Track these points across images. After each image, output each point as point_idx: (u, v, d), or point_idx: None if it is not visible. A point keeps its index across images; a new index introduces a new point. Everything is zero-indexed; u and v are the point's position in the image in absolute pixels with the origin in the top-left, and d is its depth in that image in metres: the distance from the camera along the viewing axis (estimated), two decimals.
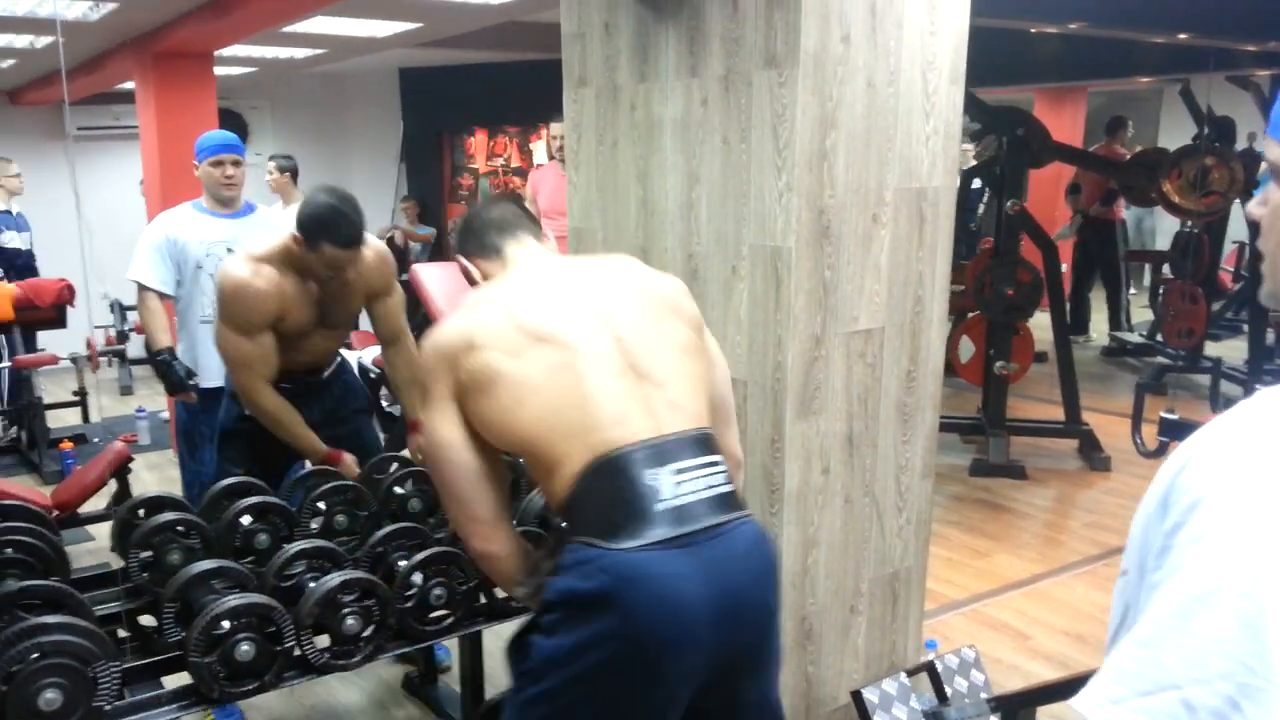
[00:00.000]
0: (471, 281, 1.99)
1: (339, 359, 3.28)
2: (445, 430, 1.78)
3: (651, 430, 1.68)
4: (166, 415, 6.26)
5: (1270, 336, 7.24)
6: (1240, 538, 0.71)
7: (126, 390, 7.61)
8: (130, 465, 4.33)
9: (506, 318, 1.77)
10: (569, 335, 1.75)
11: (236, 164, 3.76)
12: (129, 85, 6.37)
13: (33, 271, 6.61)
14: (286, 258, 2.80)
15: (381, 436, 3.84)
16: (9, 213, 6.65)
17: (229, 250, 3.74)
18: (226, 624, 1.93)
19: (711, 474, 1.70)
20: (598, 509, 1.64)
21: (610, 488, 1.64)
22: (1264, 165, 0.90)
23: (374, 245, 2.96)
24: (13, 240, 6.61)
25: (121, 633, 2.32)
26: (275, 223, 3.98)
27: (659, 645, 1.57)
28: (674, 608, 1.58)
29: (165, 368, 3.70)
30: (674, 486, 1.64)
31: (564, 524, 1.72)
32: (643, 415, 1.69)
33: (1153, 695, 0.71)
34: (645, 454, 1.65)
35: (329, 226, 2.67)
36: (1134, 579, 0.83)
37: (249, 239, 3.75)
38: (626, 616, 1.56)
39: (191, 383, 3.71)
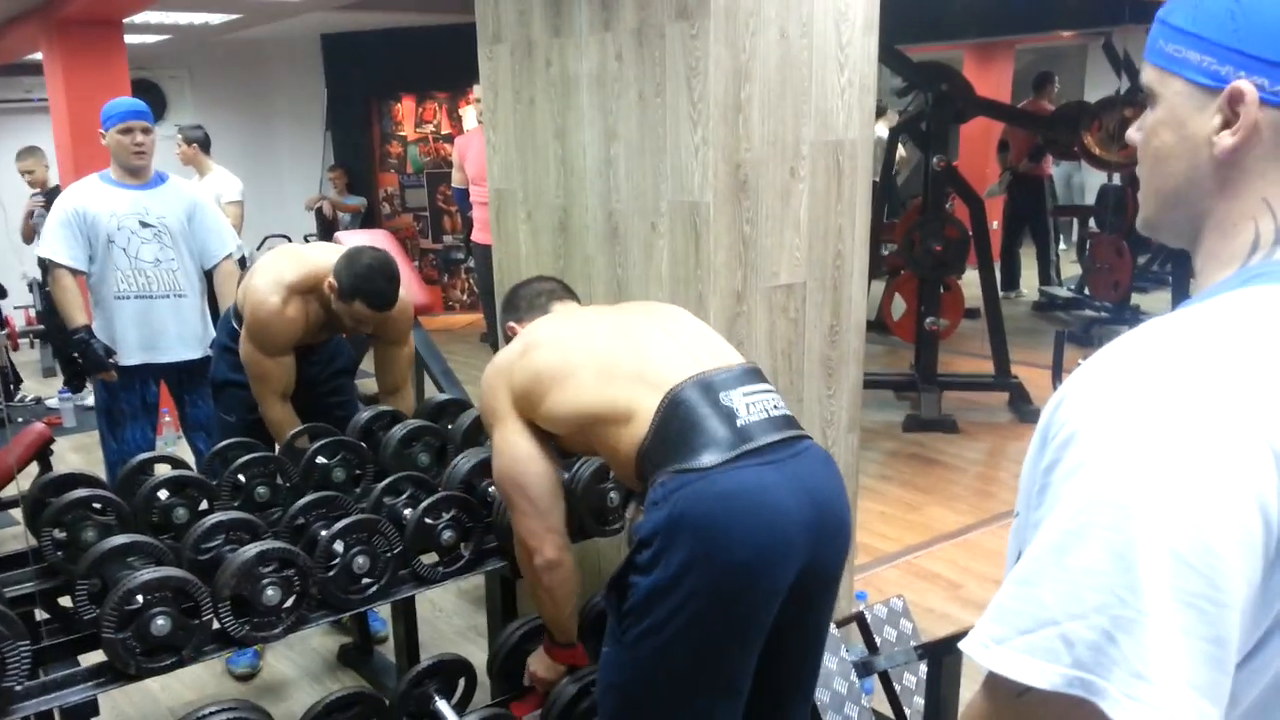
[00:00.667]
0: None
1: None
2: (520, 444, 1.91)
3: (708, 364, 1.81)
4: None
5: (1194, 287, 7.40)
6: (1110, 471, 0.72)
7: (49, 372, 7.40)
8: (52, 446, 4.21)
9: (551, 326, 2.01)
10: (604, 318, 2.01)
11: (146, 131, 3.64)
12: (38, 56, 6.16)
13: None
14: (316, 290, 2.88)
15: None
16: None
17: (141, 224, 3.64)
18: (140, 598, 1.88)
19: (774, 397, 1.81)
20: (681, 437, 1.70)
21: (690, 415, 1.71)
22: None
23: (401, 299, 2.98)
24: None
25: (41, 614, 2.27)
26: (189, 193, 3.88)
27: (759, 556, 1.61)
28: (770, 517, 1.63)
29: (84, 346, 3.60)
30: (747, 407, 1.74)
31: (644, 469, 1.75)
32: (693, 355, 1.84)
33: (1032, 633, 0.72)
34: (713, 381, 1.76)
35: (367, 289, 2.76)
36: (1023, 520, 0.84)
37: (162, 211, 3.68)
38: (726, 531, 1.61)
39: (111, 360, 3.62)
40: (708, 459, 1.66)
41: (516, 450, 1.92)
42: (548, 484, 1.92)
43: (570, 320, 2.05)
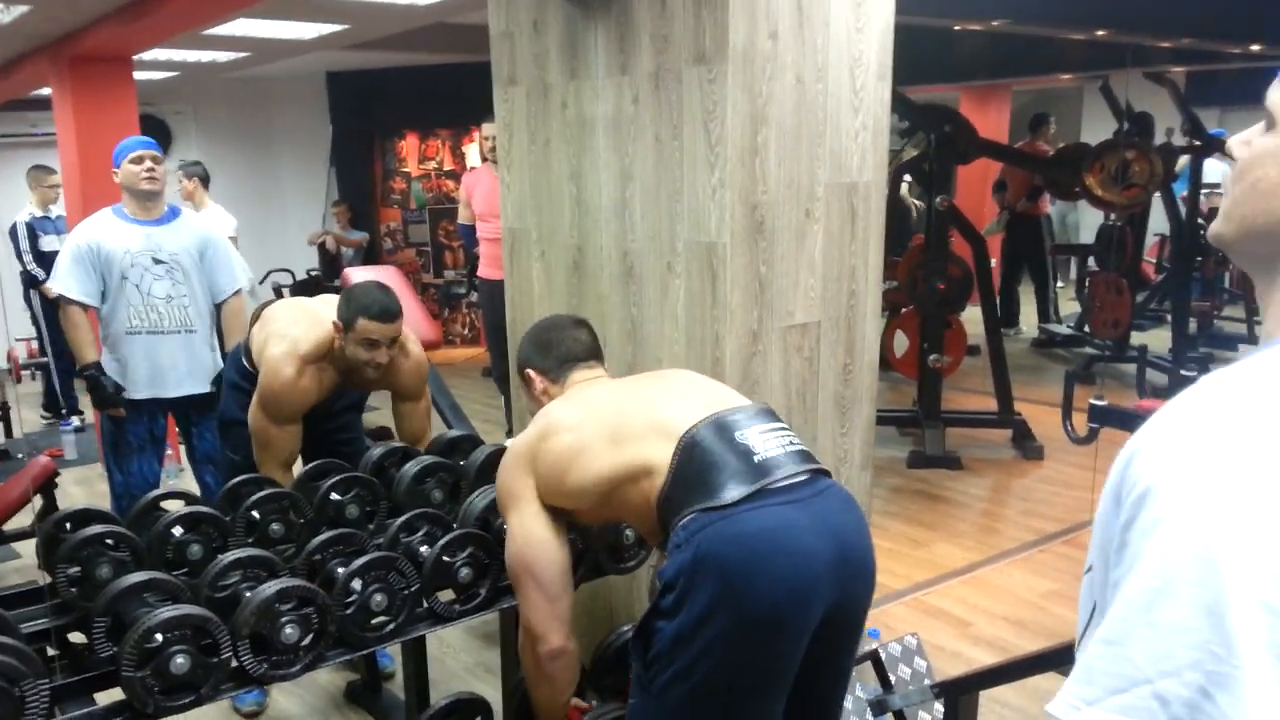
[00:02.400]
0: (530, 391, 2.20)
1: None
2: (537, 529, 1.92)
3: (719, 406, 1.82)
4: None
5: (1193, 325, 7.45)
6: (1190, 525, 0.71)
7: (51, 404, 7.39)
8: (56, 480, 4.20)
9: (566, 407, 1.99)
10: (615, 387, 2.05)
11: (157, 160, 3.69)
12: (46, 91, 6.20)
13: None
14: (328, 353, 2.89)
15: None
16: (48, 218, 6.80)
17: (154, 260, 3.66)
18: (160, 637, 1.87)
19: (789, 433, 1.82)
20: (699, 477, 1.70)
21: (707, 455, 1.72)
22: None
23: (414, 354, 3.06)
24: (53, 244, 6.64)
25: (51, 650, 2.26)
26: (202, 228, 3.90)
27: (785, 597, 1.59)
28: (796, 556, 1.61)
29: (93, 383, 3.62)
30: (763, 442, 1.74)
31: (665, 516, 1.75)
32: (704, 402, 1.85)
33: (1125, 692, 0.71)
34: (727, 421, 1.77)
35: (364, 303, 2.77)
36: (1099, 576, 0.83)
37: (174, 247, 3.70)
38: (750, 572, 1.59)
39: (121, 395, 3.63)
40: (729, 495, 1.66)
41: (531, 534, 1.92)
42: (559, 570, 1.92)
43: (584, 398, 2.03)
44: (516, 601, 1.97)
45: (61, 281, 3.61)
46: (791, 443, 1.79)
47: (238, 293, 3.90)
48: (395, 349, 2.88)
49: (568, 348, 2.16)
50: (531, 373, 2.18)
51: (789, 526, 1.64)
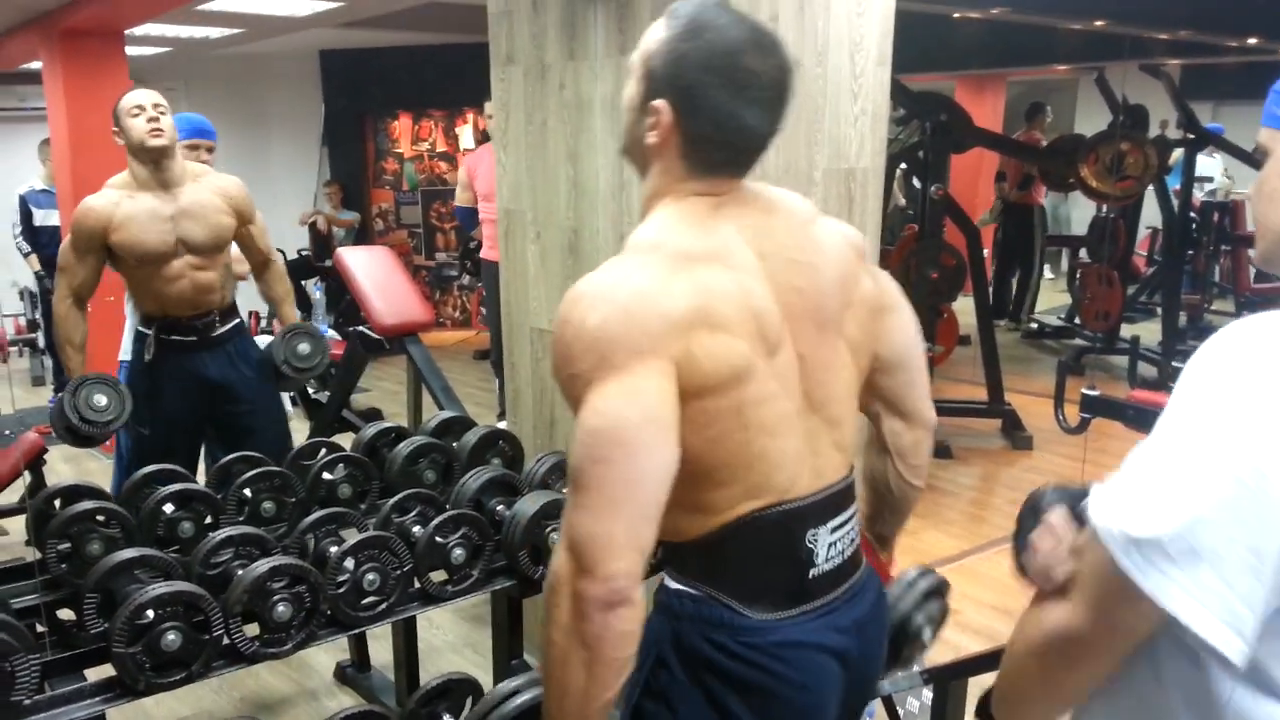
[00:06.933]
0: (642, 141, 1.38)
1: (236, 321, 3.33)
2: (651, 401, 1.22)
3: (817, 482, 1.41)
4: None
5: (1183, 319, 7.47)
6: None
7: (39, 380, 7.36)
8: (45, 456, 4.19)
9: (740, 295, 1.30)
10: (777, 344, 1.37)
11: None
12: (36, 65, 6.15)
13: None
14: (132, 177, 3.06)
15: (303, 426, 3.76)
16: (47, 192, 6.69)
17: None
18: (151, 613, 1.87)
19: (853, 529, 1.49)
20: (746, 568, 1.38)
21: (765, 546, 1.39)
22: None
23: (227, 176, 3.23)
24: (48, 219, 6.64)
25: (40, 627, 2.25)
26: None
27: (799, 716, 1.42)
28: (819, 683, 1.43)
29: None
30: (827, 548, 1.43)
31: (690, 564, 1.41)
32: (812, 463, 1.41)
33: None
34: (807, 510, 1.40)
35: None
36: None
37: None
38: (774, 695, 1.39)
39: None
40: (767, 610, 1.39)
41: (645, 400, 1.21)
42: (664, 475, 1.24)
43: (753, 298, 1.31)
44: (565, 511, 1.25)
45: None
46: (852, 541, 1.49)
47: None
48: (167, 119, 3.04)
49: (753, 128, 1.35)
50: (658, 105, 1.34)
51: (820, 649, 1.43)
